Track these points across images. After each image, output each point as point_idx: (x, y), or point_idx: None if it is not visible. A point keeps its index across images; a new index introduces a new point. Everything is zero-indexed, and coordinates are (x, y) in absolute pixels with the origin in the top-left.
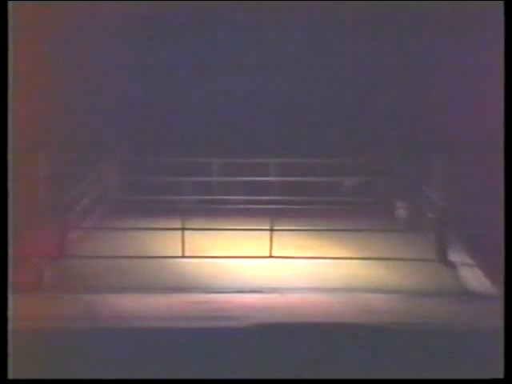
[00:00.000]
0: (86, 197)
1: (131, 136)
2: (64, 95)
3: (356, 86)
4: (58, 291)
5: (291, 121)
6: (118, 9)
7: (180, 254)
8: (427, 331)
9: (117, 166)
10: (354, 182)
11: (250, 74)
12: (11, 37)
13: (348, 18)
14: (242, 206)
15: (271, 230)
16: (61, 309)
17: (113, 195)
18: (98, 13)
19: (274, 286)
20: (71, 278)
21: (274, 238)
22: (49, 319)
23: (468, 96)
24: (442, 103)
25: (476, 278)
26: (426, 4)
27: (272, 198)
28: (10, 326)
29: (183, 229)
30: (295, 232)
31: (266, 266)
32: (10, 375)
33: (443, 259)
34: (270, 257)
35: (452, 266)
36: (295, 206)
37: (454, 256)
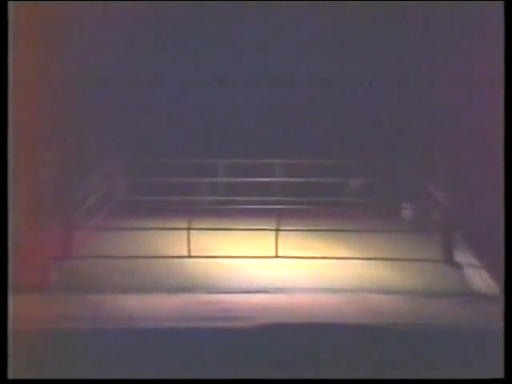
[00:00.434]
0: (92, 197)
1: (137, 136)
2: (67, 94)
3: (361, 86)
4: (65, 291)
5: (297, 121)
6: (117, 9)
7: (186, 254)
8: (432, 332)
9: (123, 167)
10: (359, 183)
11: (254, 74)
12: (11, 37)
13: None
14: (247, 207)
15: (277, 230)
16: (67, 309)
17: (119, 195)
18: (98, 12)
19: (279, 286)
20: (77, 278)
21: (280, 239)
22: (55, 320)
23: (470, 95)
24: (445, 103)
25: (481, 279)
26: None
27: (278, 198)
28: (18, 326)
29: (189, 229)
30: (301, 232)
31: (271, 266)
32: (10, 375)
33: (449, 260)
34: (276, 257)
35: (457, 266)
36: (301, 207)
37: (460, 257)
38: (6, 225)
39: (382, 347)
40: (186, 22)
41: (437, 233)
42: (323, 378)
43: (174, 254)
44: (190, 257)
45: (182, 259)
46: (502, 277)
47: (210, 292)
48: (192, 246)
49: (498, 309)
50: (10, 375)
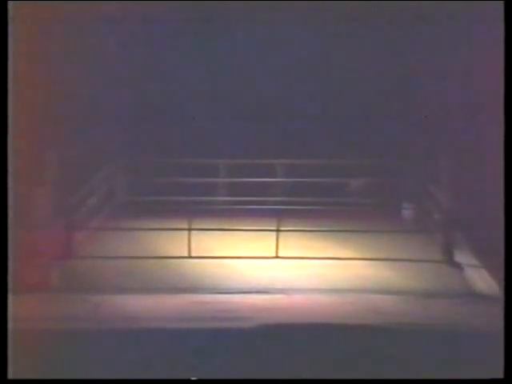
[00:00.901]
0: (93, 197)
1: (138, 137)
2: (67, 94)
3: (362, 86)
4: (65, 292)
5: (298, 121)
6: (117, 8)
7: (186, 255)
8: (433, 332)
9: (124, 167)
10: (360, 183)
11: (256, 75)
12: (11, 37)
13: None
14: (248, 207)
15: (277, 230)
16: (68, 309)
17: (120, 196)
18: (98, 12)
19: (280, 286)
20: (78, 279)
21: (281, 239)
22: (56, 320)
23: (471, 95)
24: (447, 103)
25: (482, 279)
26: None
27: (278, 198)
28: (19, 326)
29: (190, 229)
30: (301, 233)
31: (272, 267)
32: (10, 375)
33: (449, 260)
34: (277, 257)
35: (458, 267)
36: (301, 207)
37: (461, 257)
38: (6, 225)
39: (382, 347)
40: None
41: (437, 233)
42: (323, 378)
43: (175, 255)
44: (190, 257)
45: (182, 259)
46: (502, 277)
47: (211, 292)
48: (193, 247)
49: (499, 309)
50: (10, 375)
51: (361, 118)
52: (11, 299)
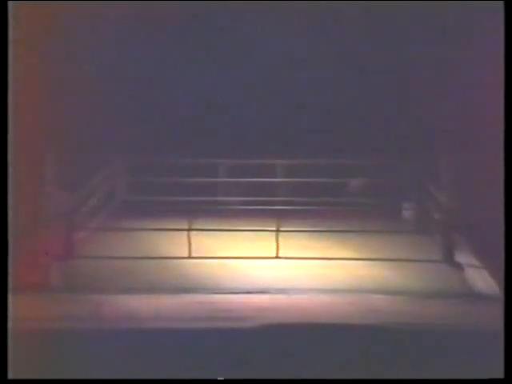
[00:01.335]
0: (93, 197)
1: (138, 137)
2: (68, 95)
3: (362, 86)
4: (66, 292)
5: (298, 121)
6: (117, 8)
7: (187, 255)
8: (433, 332)
9: (124, 167)
10: (360, 183)
11: (256, 75)
12: (11, 37)
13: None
14: (248, 207)
15: (277, 230)
16: (68, 309)
17: (120, 196)
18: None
19: (280, 286)
20: (78, 279)
21: (281, 239)
22: (56, 320)
23: (472, 95)
24: (448, 103)
25: (482, 280)
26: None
27: (278, 199)
28: (19, 326)
29: (190, 229)
30: (301, 233)
31: (272, 267)
32: (10, 375)
33: (449, 260)
34: (277, 257)
35: (458, 267)
36: (302, 207)
37: (461, 257)
38: (6, 225)
39: (383, 347)
40: None
41: (438, 233)
42: (323, 378)
43: (175, 255)
44: (190, 257)
45: (182, 260)
46: (502, 277)
47: (211, 292)
48: (193, 247)
49: (499, 309)
50: (10, 375)
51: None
52: (11, 299)
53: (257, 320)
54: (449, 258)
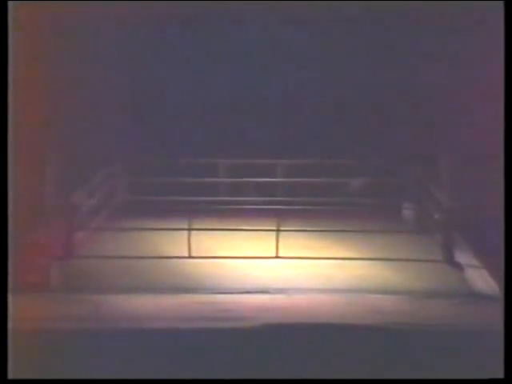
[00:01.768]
0: (93, 197)
1: (138, 137)
2: (68, 95)
3: (362, 86)
4: (65, 292)
5: (298, 121)
6: (117, 8)
7: (187, 255)
8: (433, 332)
9: (124, 167)
10: (360, 183)
11: (257, 74)
12: (11, 37)
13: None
14: (248, 207)
15: (277, 230)
16: (68, 309)
17: (120, 196)
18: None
19: (280, 286)
20: (78, 279)
21: (281, 239)
22: (56, 320)
23: (472, 95)
24: (448, 103)
25: (482, 280)
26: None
27: (279, 198)
28: (19, 326)
29: (190, 229)
30: (301, 233)
31: (272, 267)
32: (10, 375)
33: (449, 260)
34: (277, 257)
35: (458, 267)
36: (302, 207)
37: (461, 257)
38: (6, 225)
39: (382, 347)
40: None
41: (438, 233)
42: (323, 378)
43: (175, 255)
44: (190, 257)
45: (182, 260)
46: (502, 277)
47: (211, 292)
48: (193, 247)
49: (499, 309)
50: (10, 375)
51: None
52: (11, 299)
53: (257, 320)
54: (449, 258)
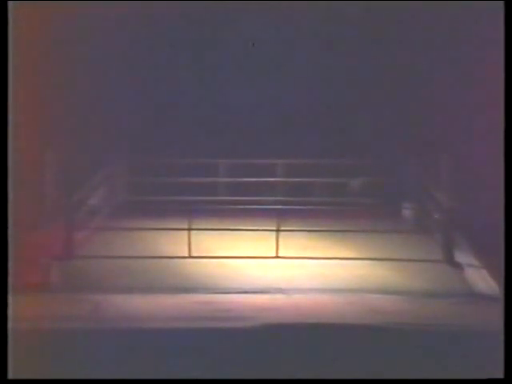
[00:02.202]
0: (93, 197)
1: (138, 137)
2: (68, 95)
3: (362, 87)
4: (66, 291)
5: (298, 122)
6: (117, 8)
7: (187, 255)
8: (433, 332)
9: (124, 167)
10: (360, 183)
11: (257, 75)
12: (11, 37)
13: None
14: (248, 207)
15: (278, 230)
16: (68, 309)
17: (120, 196)
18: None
19: (280, 286)
20: (78, 279)
21: (281, 239)
22: (56, 319)
23: (472, 96)
24: (448, 104)
25: (482, 279)
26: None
27: (279, 198)
28: (19, 326)
29: (190, 229)
30: (301, 233)
31: (272, 267)
32: (10, 375)
33: (450, 260)
34: (277, 257)
35: (458, 267)
36: (302, 207)
37: (461, 257)
38: (6, 225)
39: (382, 347)
40: None
41: (438, 233)
42: (323, 378)
43: (175, 255)
44: (190, 257)
45: (182, 259)
46: (502, 277)
47: (211, 292)
48: (193, 247)
49: (499, 308)
50: (10, 375)
51: None
52: (11, 299)
53: (257, 320)
54: (449, 258)
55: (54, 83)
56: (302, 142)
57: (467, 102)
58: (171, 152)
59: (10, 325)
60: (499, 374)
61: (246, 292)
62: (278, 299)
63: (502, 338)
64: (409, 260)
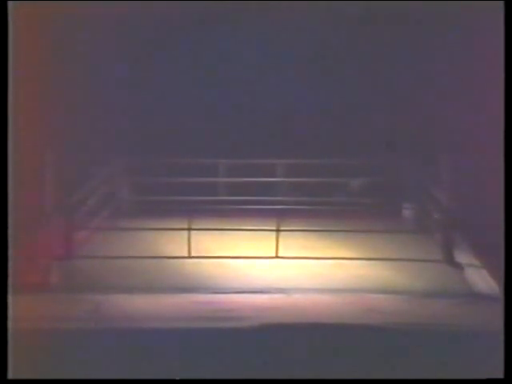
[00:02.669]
0: (93, 197)
1: (138, 137)
2: (68, 96)
3: (362, 86)
4: (65, 291)
5: (297, 121)
6: (117, 8)
7: (186, 255)
8: (433, 332)
9: (124, 167)
10: (360, 183)
11: (257, 75)
12: (11, 37)
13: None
14: (248, 207)
15: (277, 230)
16: (68, 309)
17: (120, 196)
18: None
19: (280, 286)
20: (78, 279)
21: (280, 239)
22: (56, 320)
23: (472, 95)
24: (448, 103)
25: (482, 279)
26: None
27: (278, 198)
28: (19, 326)
29: (189, 229)
30: (301, 232)
31: (272, 267)
32: (10, 375)
33: (449, 260)
34: (277, 257)
35: (458, 266)
36: (301, 207)
37: (461, 257)
38: (6, 225)
39: (382, 347)
40: None
41: (438, 233)
42: (323, 378)
43: (175, 255)
44: (190, 257)
45: (182, 259)
46: (502, 277)
47: (210, 292)
48: (192, 247)
49: (499, 309)
50: (10, 375)
51: None
52: (11, 299)
53: (256, 320)
54: (449, 258)
55: (54, 83)
56: (302, 142)
57: (467, 102)
58: (171, 152)
59: (10, 325)
60: (499, 374)
61: (245, 292)
62: (278, 299)
63: (501, 337)
64: (408, 260)
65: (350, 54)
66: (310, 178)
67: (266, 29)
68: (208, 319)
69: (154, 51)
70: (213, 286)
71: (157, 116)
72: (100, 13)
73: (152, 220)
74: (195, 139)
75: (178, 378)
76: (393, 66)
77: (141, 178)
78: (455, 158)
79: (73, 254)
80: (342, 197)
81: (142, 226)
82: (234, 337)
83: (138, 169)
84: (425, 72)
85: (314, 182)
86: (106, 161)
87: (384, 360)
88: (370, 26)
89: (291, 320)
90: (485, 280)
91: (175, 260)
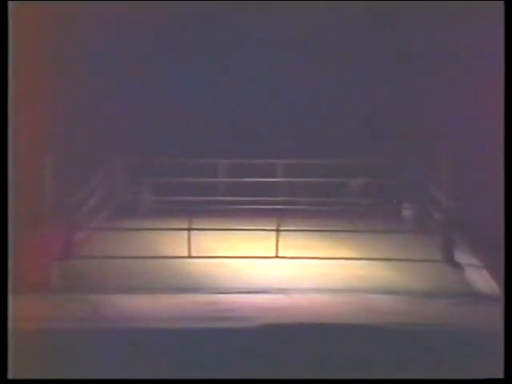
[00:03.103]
0: (93, 197)
1: (138, 137)
2: (67, 96)
3: (362, 87)
4: (65, 292)
5: (298, 122)
6: (117, 8)
7: (186, 255)
8: (433, 332)
9: (124, 167)
10: (360, 183)
11: (257, 75)
12: (11, 37)
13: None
14: (248, 207)
15: (277, 230)
16: (68, 309)
17: (120, 196)
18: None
19: (280, 286)
20: (78, 279)
21: (280, 239)
22: (56, 320)
23: (472, 95)
24: (448, 103)
25: (482, 279)
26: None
27: (278, 198)
28: (19, 326)
29: (190, 229)
30: (301, 232)
31: (272, 267)
32: (10, 375)
33: (449, 260)
34: (276, 257)
35: (458, 267)
36: (301, 207)
37: (460, 257)
38: (6, 225)
39: (381, 347)
40: None
41: (437, 233)
42: (323, 378)
43: (175, 255)
44: (190, 257)
45: (182, 259)
46: (502, 277)
47: (210, 292)
48: (192, 247)
49: (499, 309)
50: (10, 375)
51: None
52: (11, 299)
53: (257, 320)
54: (449, 258)
55: (54, 83)
56: (302, 142)
57: (467, 102)
58: (171, 152)
59: (10, 325)
60: (499, 373)
61: (245, 292)
62: (278, 299)
63: (502, 338)
64: (408, 260)
65: (349, 53)
66: (310, 178)
67: (266, 29)
68: (208, 319)
69: (153, 51)
70: (213, 286)
71: (157, 116)
72: (100, 13)
73: (152, 220)
74: (195, 139)
75: (178, 378)
76: (393, 66)
77: (140, 178)
78: (455, 157)
79: (73, 254)
80: (342, 197)
81: (142, 226)
82: (234, 337)
83: (138, 169)
84: (425, 72)
85: (314, 182)
86: (105, 161)
87: (384, 360)
88: (369, 26)
89: (291, 320)
90: (485, 280)
91: (175, 260)
